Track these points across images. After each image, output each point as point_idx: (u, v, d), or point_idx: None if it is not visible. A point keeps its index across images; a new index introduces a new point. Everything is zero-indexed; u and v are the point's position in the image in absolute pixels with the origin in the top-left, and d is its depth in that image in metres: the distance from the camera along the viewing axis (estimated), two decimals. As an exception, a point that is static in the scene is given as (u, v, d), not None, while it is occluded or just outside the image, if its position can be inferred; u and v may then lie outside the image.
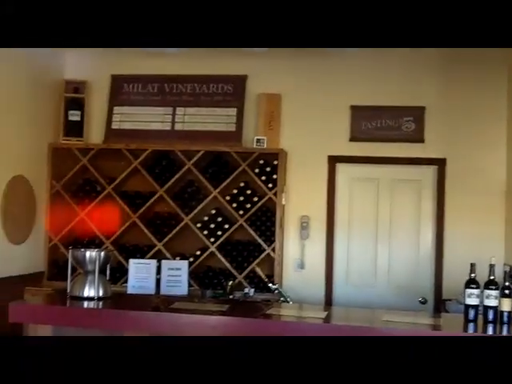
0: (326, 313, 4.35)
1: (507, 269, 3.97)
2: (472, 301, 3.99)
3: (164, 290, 5.36)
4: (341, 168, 6.49)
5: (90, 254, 4.43)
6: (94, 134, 6.74)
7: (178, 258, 6.22)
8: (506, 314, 3.91)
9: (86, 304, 4.32)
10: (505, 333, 3.78)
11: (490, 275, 3.96)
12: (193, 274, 6.19)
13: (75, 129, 6.58)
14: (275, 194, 6.22)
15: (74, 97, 6.64)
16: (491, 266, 3.96)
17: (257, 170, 6.28)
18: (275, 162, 6.25)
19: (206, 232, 6.33)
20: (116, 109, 6.75)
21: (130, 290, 5.20)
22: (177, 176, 6.39)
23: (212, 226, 6.32)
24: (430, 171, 6.35)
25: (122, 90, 6.79)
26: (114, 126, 6.70)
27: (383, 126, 6.42)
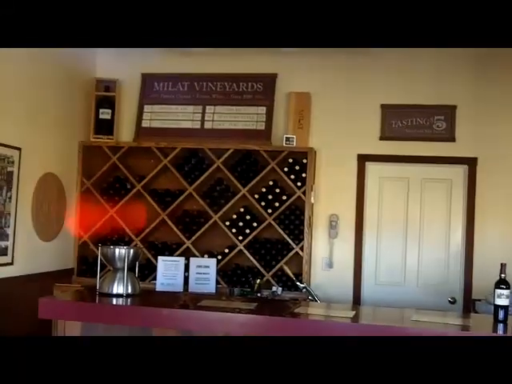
0: (354, 312, 4.33)
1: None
2: (502, 301, 3.95)
3: (192, 288, 5.39)
4: (370, 167, 6.46)
5: (120, 251, 4.46)
6: (125, 132, 6.79)
7: (206, 256, 6.24)
8: (536, 315, 3.87)
9: (114, 301, 4.34)
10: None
11: (520, 275, 3.92)
12: (221, 272, 6.21)
13: (106, 127, 6.63)
14: (304, 193, 6.20)
15: (105, 95, 6.69)
16: (522, 267, 3.92)
17: (286, 169, 6.27)
18: (304, 161, 6.23)
19: (234, 230, 6.33)
20: (146, 107, 6.79)
21: (158, 288, 5.23)
22: (206, 174, 6.40)
23: (240, 224, 6.33)
24: (460, 170, 6.29)
25: (152, 88, 6.82)
26: (144, 124, 6.74)
27: (414, 124, 6.37)
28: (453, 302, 6.19)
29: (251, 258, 6.28)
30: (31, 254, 5.77)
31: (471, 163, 6.22)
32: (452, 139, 6.28)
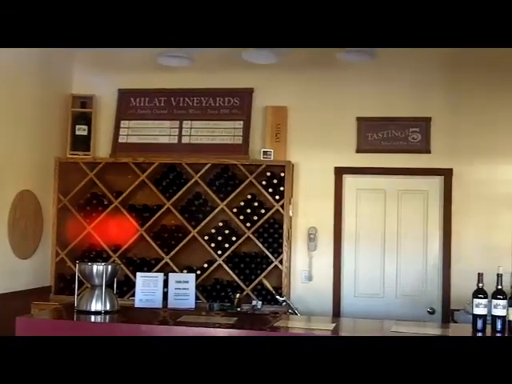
0: (334, 324, 4.34)
1: (515, 278, 3.97)
2: (480, 310, 3.98)
3: (171, 304, 5.38)
4: (348, 179, 6.49)
5: (97, 267, 4.45)
6: (101, 148, 6.76)
7: (185, 271, 6.21)
8: (514, 324, 3.90)
9: (93, 318, 4.33)
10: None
11: (497, 285, 3.96)
12: (200, 287, 6.19)
13: (82, 143, 6.60)
14: (282, 206, 6.21)
15: (81, 111, 6.67)
16: (499, 276, 3.96)
17: (264, 182, 6.28)
18: (282, 174, 6.25)
19: (213, 244, 6.32)
20: (123, 123, 6.77)
21: (137, 304, 5.22)
22: (184, 189, 6.39)
23: (219, 238, 6.31)
24: (436, 182, 6.33)
25: (128, 104, 6.81)
26: (121, 139, 6.72)
27: (389, 137, 6.42)
28: (432, 312, 6.22)
29: (230, 272, 6.26)
30: (7, 272, 5.71)
31: (447, 174, 6.28)
32: (427, 151, 6.33)
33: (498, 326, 3.93)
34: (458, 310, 5.68)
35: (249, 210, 6.29)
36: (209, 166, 6.34)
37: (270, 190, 6.25)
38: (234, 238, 6.30)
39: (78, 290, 4.60)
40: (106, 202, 6.51)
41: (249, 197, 6.34)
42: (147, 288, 5.28)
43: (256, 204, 6.31)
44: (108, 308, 4.41)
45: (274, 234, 6.28)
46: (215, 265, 6.30)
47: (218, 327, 4.06)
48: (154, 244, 6.39)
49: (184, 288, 5.44)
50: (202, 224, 6.33)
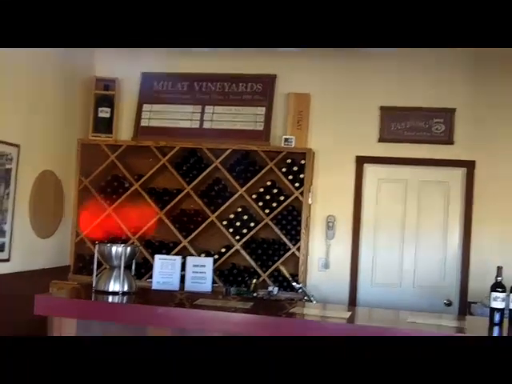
0: (350, 313, 4.33)
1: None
2: (498, 304, 3.96)
3: (188, 287, 5.38)
4: (369, 168, 6.46)
5: (116, 249, 4.46)
6: (123, 131, 6.79)
7: (203, 255, 6.24)
8: (531, 318, 3.87)
9: (110, 298, 4.35)
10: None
11: (516, 278, 3.93)
12: (217, 271, 6.22)
13: (104, 125, 6.63)
14: (302, 194, 6.21)
15: (104, 94, 6.69)
16: (518, 270, 3.93)
17: (284, 169, 6.27)
18: (302, 162, 6.24)
19: (231, 230, 6.34)
20: (145, 106, 6.78)
21: (154, 286, 5.23)
22: (204, 174, 6.41)
23: (238, 223, 6.33)
24: (458, 173, 6.29)
25: (151, 87, 6.82)
26: (143, 123, 6.73)
27: (412, 127, 6.38)
28: (449, 304, 6.20)
29: (248, 257, 6.28)
30: (28, 250, 5.77)
31: (469, 166, 6.23)
32: (450, 142, 6.28)
33: (515, 320, 3.91)
34: (475, 303, 5.66)
35: (268, 197, 6.29)
36: (229, 151, 6.34)
37: (290, 177, 6.24)
38: (252, 224, 6.31)
39: (97, 270, 4.63)
40: (126, 185, 6.55)
41: (268, 183, 6.34)
42: (165, 270, 5.28)
43: (275, 191, 6.31)
44: (126, 289, 4.43)
45: (293, 221, 6.28)
46: (233, 250, 6.32)
47: (234, 311, 4.07)
48: (172, 227, 6.42)
49: (201, 272, 5.44)
50: (221, 209, 6.35)
